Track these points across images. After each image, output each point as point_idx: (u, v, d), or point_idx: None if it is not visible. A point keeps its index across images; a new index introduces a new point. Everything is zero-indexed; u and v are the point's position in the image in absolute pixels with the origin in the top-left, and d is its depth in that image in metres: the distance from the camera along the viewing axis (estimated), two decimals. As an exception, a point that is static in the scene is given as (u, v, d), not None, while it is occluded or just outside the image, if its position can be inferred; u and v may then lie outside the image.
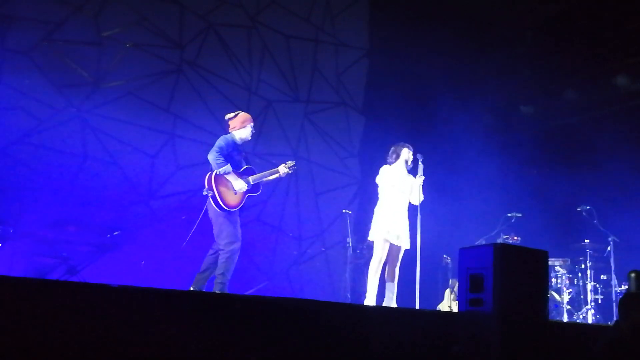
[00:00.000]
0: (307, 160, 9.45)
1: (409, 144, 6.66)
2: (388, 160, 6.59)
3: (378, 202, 6.51)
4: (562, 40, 9.91)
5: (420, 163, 6.76)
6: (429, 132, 9.62)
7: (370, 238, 6.38)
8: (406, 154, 6.53)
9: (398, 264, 6.31)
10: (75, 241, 6.79)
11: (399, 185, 6.39)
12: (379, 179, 6.51)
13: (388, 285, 6.26)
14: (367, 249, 8.68)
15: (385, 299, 6.24)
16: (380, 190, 6.51)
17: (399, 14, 9.95)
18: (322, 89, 9.89)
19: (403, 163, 6.53)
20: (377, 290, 6.21)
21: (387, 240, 6.22)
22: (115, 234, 7.06)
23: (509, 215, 8.40)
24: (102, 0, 7.98)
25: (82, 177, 7.65)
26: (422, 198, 6.46)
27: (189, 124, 8.46)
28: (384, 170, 6.52)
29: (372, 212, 6.54)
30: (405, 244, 6.34)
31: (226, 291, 5.74)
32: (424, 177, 6.49)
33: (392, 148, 6.64)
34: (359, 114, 10.27)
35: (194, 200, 7.72)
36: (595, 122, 9.80)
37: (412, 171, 6.63)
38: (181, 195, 8.18)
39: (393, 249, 6.28)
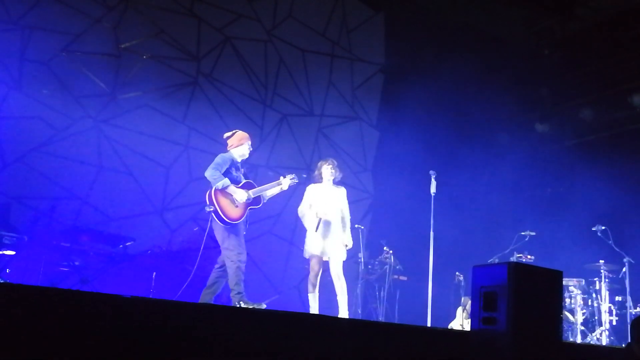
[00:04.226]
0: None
1: (332, 158, 6.78)
2: (314, 179, 6.73)
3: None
4: (579, 59, 9.89)
5: (432, 179, 6.77)
6: (443, 148, 9.60)
7: (304, 255, 6.52)
8: (326, 170, 6.62)
9: (341, 276, 6.39)
10: (88, 251, 6.82)
11: (317, 204, 6.49)
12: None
13: (338, 299, 6.39)
14: (378, 265, 8.64)
15: (339, 312, 6.35)
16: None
17: (415, 30, 9.98)
18: (336, 104, 9.92)
19: (327, 180, 6.62)
20: (317, 304, 6.35)
21: (316, 256, 6.38)
22: (127, 244, 7.07)
23: (523, 233, 8.32)
24: (121, 12, 8.09)
25: (97, 187, 7.71)
26: (348, 216, 6.66)
27: (203, 136, 8.51)
28: (306, 190, 6.68)
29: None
30: (339, 256, 6.42)
31: (246, 300, 5.76)
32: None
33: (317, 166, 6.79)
34: (373, 128, 10.28)
35: (207, 211, 7.74)
36: (611, 140, 9.73)
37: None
38: (194, 207, 8.20)
39: (328, 263, 6.43)
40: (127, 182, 7.93)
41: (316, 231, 6.38)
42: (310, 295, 6.39)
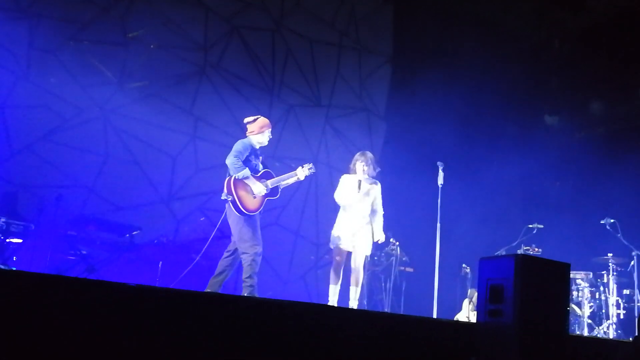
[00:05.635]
0: (327, 165, 9.42)
1: (369, 152, 6.68)
2: (348, 170, 6.65)
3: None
4: (589, 52, 9.81)
5: (440, 171, 6.74)
6: (451, 139, 9.53)
7: (330, 245, 6.47)
8: (359, 166, 6.50)
9: (360, 269, 6.33)
10: (94, 239, 6.84)
11: (349, 195, 6.43)
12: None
13: (351, 289, 6.33)
14: (385, 256, 8.62)
15: (349, 302, 6.30)
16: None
17: (424, 21, 9.92)
18: (344, 94, 9.87)
19: (360, 172, 6.51)
20: (337, 296, 6.30)
21: (340, 247, 6.32)
22: (134, 233, 7.09)
23: (530, 226, 8.27)
24: (128, 1, 8.07)
25: (104, 176, 7.73)
26: (380, 211, 6.53)
27: (210, 126, 8.49)
28: (340, 179, 6.62)
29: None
30: (362, 250, 6.34)
31: (256, 294, 5.74)
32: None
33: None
34: (380, 119, 10.24)
35: (213, 201, 7.74)
36: (620, 134, 9.66)
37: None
38: (200, 197, 8.20)
39: (351, 255, 6.37)
40: (133, 172, 7.94)
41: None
42: (331, 287, 6.30)
